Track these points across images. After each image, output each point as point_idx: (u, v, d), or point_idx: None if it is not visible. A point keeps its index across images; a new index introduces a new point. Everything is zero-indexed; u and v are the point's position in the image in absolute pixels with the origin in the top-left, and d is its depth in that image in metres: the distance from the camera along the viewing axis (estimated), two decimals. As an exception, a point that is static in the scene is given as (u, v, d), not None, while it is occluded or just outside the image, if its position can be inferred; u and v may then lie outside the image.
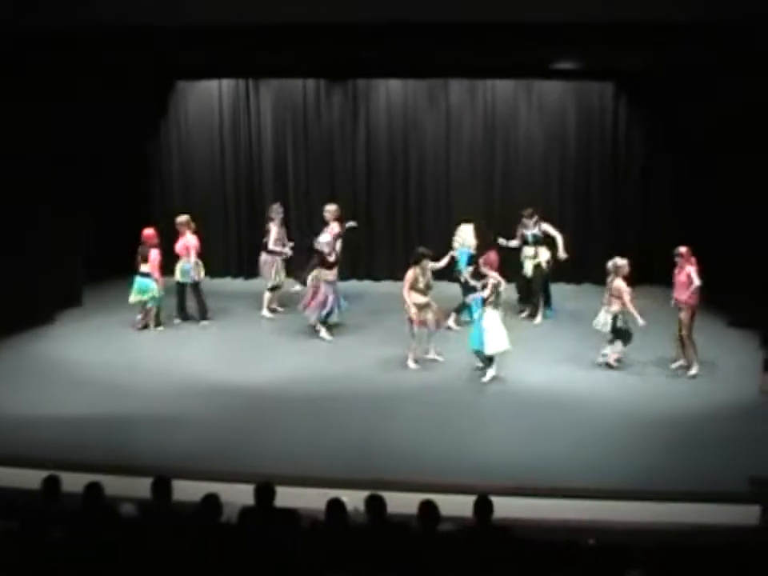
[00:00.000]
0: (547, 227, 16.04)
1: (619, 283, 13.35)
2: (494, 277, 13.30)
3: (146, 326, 15.75)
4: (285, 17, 12.21)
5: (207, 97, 19.34)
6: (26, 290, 15.34)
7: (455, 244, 15.68)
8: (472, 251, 15.44)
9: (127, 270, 18.28)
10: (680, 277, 13.35)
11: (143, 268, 15.45)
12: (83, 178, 17.34)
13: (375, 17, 12.10)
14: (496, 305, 13.20)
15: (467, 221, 16.13)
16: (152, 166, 19.72)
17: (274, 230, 16.30)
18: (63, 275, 16.75)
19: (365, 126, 19.08)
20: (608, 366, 13.75)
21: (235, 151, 19.38)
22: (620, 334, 13.59)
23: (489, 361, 13.31)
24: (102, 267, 18.33)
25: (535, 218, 16.01)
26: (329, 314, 15.37)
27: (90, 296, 17.48)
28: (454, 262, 15.37)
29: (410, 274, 13.60)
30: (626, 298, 13.29)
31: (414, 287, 13.54)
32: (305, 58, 16.66)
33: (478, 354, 13.33)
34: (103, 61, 15.64)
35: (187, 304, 16.20)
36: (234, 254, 19.35)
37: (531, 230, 16.00)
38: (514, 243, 16.08)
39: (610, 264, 13.53)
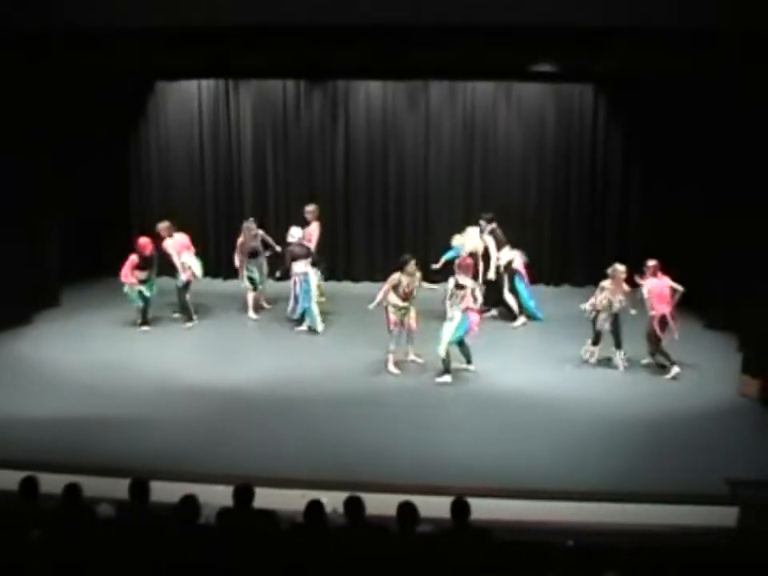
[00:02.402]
0: (489, 241, 15.88)
1: (603, 283, 13.63)
2: (470, 284, 13.33)
3: (143, 324, 15.83)
4: (264, 18, 12.18)
5: (186, 98, 19.28)
6: (2, 291, 15.23)
7: (455, 242, 15.68)
8: (463, 252, 15.47)
9: (105, 270, 18.36)
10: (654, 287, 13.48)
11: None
12: (60, 177, 17.29)
13: (355, 18, 12.09)
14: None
15: (466, 222, 16.25)
16: (131, 166, 19.63)
17: (239, 241, 16.46)
18: (41, 275, 16.67)
19: (344, 127, 19.05)
20: (585, 361, 14.04)
21: (214, 152, 19.32)
22: (596, 330, 13.80)
23: (444, 362, 13.39)
24: (79, 267, 18.29)
25: (492, 226, 15.93)
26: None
27: (68, 296, 17.41)
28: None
29: (393, 276, 13.63)
30: (600, 294, 13.60)
31: (394, 289, 13.55)
32: (284, 59, 16.60)
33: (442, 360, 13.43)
34: (82, 62, 15.57)
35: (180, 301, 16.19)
36: (212, 255, 19.25)
37: (483, 234, 15.94)
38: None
39: (609, 270, 13.74)
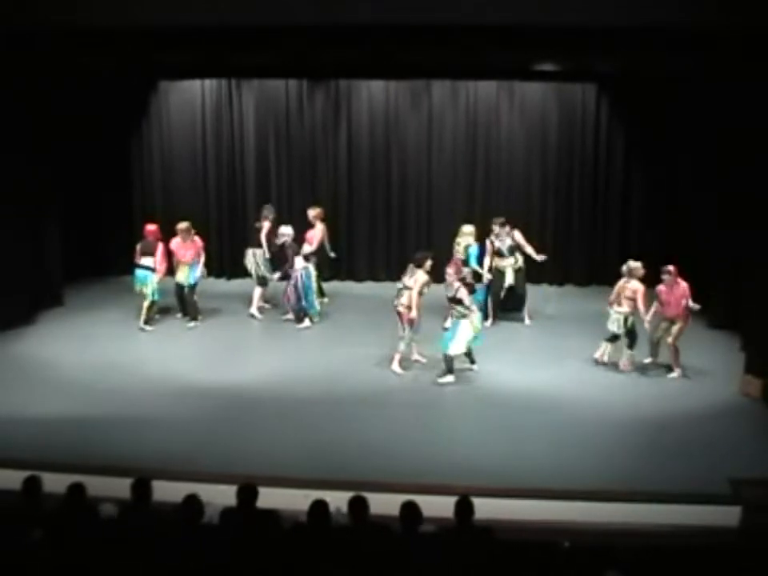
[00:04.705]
0: (519, 236, 15.93)
1: (635, 285, 13.39)
2: (459, 283, 13.33)
3: (146, 322, 15.74)
4: (267, 17, 12.18)
5: (189, 97, 19.26)
6: (5, 291, 15.25)
7: (458, 247, 15.63)
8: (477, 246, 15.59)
9: (108, 269, 18.44)
10: (675, 293, 13.36)
11: (144, 261, 15.50)
12: (63, 177, 17.32)
13: (357, 18, 12.09)
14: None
15: (468, 221, 16.16)
16: (134, 166, 19.61)
17: (267, 225, 16.42)
18: (43, 275, 16.67)
19: (347, 126, 19.05)
20: (622, 371, 13.79)
21: (217, 151, 19.30)
22: (630, 335, 13.65)
23: (448, 362, 13.37)
24: (82, 267, 18.33)
25: (507, 228, 15.89)
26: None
27: (71, 296, 17.40)
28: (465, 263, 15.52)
29: (423, 278, 13.50)
30: (640, 298, 13.34)
31: (421, 292, 13.52)
32: (287, 59, 16.61)
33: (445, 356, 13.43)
34: (83, 62, 15.59)
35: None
36: (215, 255, 19.23)
37: (506, 241, 15.88)
38: (485, 270, 15.90)
39: (624, 267, 13.59)
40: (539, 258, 15.95)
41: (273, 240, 16.29)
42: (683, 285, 13.38)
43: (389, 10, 11.84)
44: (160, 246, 15.53)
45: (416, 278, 13.52)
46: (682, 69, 15.21)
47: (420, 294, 13.47)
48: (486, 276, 15.78)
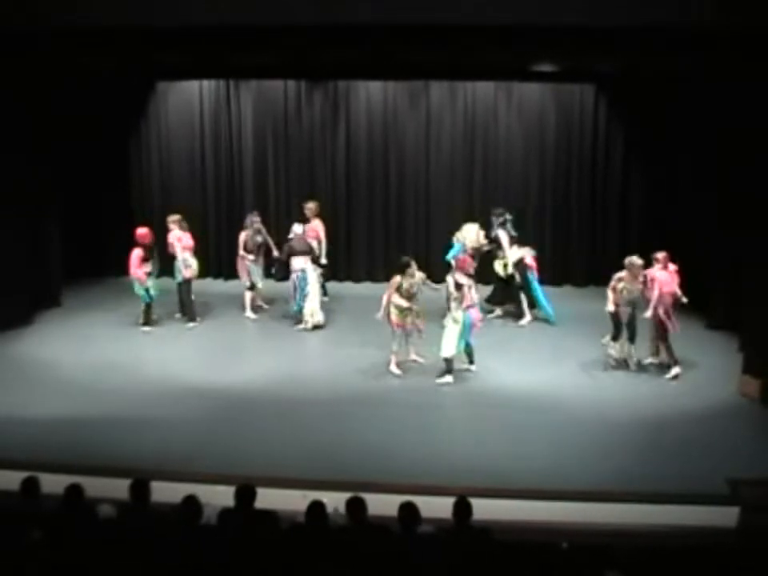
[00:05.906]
0: (502, 235, 15.91)
1: (620, 274, 13.48)
2: (466, 281, 13.31)
3: (145, 324, 15.78)
4: (266, 17, 12.18)
5: (188, 98, 19.26)
6: (4, 291, 15.24)
7: (455, 239, 15.65)
8: (467, 247, 15.43)
9: (106, 270, 18.41)
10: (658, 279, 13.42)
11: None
12: (62, 177, 17.33)
13: (357, 18, 12.09)
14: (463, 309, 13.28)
15: (473, 220, 16.16)
16: (132, 165, 19.61)
17: (242, 236, 16.43)
18: (42, 276, 16.68)
19: (345, 127, 19.04)
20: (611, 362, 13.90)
21: (216, 152, 19.30)
22: (613, 324, 13.69)
23: (447, 363, 13.38)
24: (80, 268, 18.32)
25: (501, 220, 15.94)
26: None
27: (69, 297, 17.40)
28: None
29: (395, 279, 13.59)
30: (611, 284, 13.47)
31: (397, 291, 13.51)
32: (285, 59, 16.59)
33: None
34: (82, 62, 15.58)
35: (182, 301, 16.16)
36: (213, 255, 19.26)
37: (494, 230, 15.97)
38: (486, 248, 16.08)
39: (626, 261, 13.57)
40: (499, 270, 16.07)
41: (251, 246, 16.43)
42: (652, 274, 13.43)
43: (388, 9, 11.84)
44: (134, 252, 15.46)
45: (391, 280, 13.68)
46: (682, 69, 15.20)
47: (402, 296, 13.51)
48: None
